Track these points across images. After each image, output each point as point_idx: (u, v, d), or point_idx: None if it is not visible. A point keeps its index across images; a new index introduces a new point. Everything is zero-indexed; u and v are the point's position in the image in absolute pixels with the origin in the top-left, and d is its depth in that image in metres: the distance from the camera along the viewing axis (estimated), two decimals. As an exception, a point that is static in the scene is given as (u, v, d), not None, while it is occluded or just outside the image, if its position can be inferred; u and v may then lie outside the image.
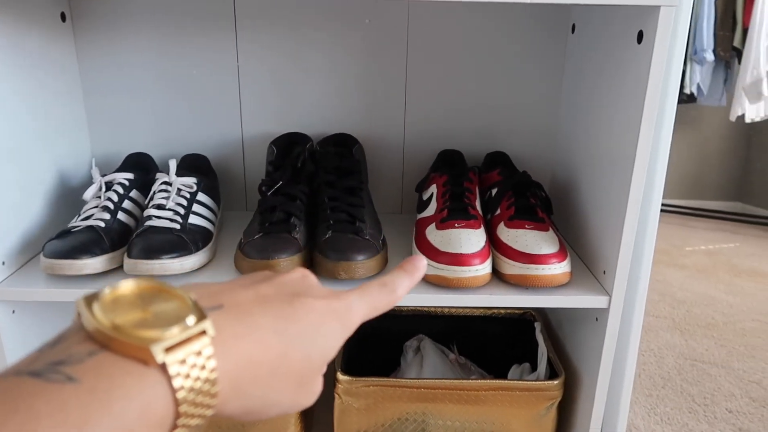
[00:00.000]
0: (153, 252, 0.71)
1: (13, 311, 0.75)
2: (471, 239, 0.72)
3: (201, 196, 0.82)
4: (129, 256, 0.71)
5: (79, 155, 0.91)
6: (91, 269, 0.71)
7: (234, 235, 0.88)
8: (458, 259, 0.70)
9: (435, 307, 0.99)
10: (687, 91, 2.78)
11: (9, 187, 0.74)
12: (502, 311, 0.98)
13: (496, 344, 0.99)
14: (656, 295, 2.02)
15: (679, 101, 2.70)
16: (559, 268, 0.71)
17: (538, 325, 0.91)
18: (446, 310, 0.99)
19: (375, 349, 1.00)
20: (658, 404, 1.27)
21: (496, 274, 0.75)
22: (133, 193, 0.81)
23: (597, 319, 0.76)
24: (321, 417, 1.03)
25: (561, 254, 0.72)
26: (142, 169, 0.87)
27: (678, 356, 1.52)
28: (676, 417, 1.22)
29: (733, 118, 2.60)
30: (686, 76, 2.74)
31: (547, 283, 0.71)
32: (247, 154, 0.97)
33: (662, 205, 3.29)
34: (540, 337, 0.89)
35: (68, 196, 0.88)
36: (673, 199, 3.40)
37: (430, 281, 0.73)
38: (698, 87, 2.75)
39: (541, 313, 1.02)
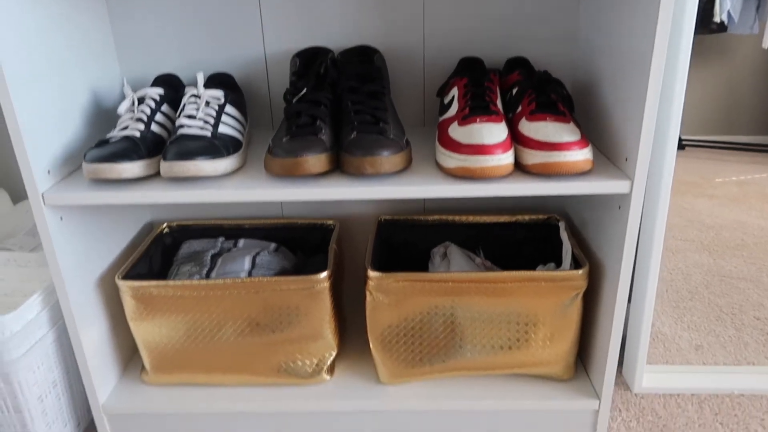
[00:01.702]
0: (187, 154, 0.74)
1: (61, 218, 0.79)
2: (493, 132, 0.74)
3: (229, 108, 0.84)
4: (164, 159, 0.74)
5: (111, 78, 0.95)
6: (130, 173, 0.75)
7: (262, 148, 0.91)
8: (481, 149, 0.72)
9: (460, 214, 1.01)
10: (717, 19, 2.68)
11: (49, 106, 0.78)
12: (526, 217, 1.00)
13: (521, 250, 1.02)
14: (684, 221, 2.01)
15: (709, 30, 2.61)
16: (581, 155, 0.72)
17: (562, 224, 0.93)
18: (471, 218, 1.01)
19: (403, 259, 1.04)
20: (685, 314, 1.29)
21: (519, 167, 0.77)
22: (164, 108, 0.84)
23: (620, 207, 0.77)
24: (353, 317, 1.08)
25: (582, 142, 0.73)
26: (171, 87, 0.90)
27: (706, 273, 1.53)
28: (704, 325, 1.24)
29: (766, 45, 2.52)
30: (716, 4, 2.64)
31: (570, 169, 0.72)
32: (271, 72, 0.99)
33: (692, 140, 3.22)
34: (564, 236, 0.91)
35: (103, 115, 0.91)
36: (703, 135, 3.32)
37: (454, 174, 0.75)
38: (729, 14, 2.65)
39: (565, 215, 1.03)
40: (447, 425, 0.90)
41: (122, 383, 0.94)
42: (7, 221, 1.01)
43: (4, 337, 0.78)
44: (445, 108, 0.84)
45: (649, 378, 1.04)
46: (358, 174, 0.74)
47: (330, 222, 1.03)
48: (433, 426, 0.90)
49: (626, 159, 0.75)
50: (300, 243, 1.04)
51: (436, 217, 1.01)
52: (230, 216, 1.08)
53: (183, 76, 0.98)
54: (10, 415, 0.84)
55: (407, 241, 1.03)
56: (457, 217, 1.01)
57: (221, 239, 1.02)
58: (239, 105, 0.87)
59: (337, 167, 0.79)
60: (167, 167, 0.74)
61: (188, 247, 1.01)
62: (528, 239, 1.01)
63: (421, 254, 1.02)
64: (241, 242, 1.02)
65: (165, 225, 1.03)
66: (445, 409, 0.89)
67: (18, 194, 1.08)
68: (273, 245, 1.01)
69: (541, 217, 1.00)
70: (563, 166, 0.72)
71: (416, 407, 0.89)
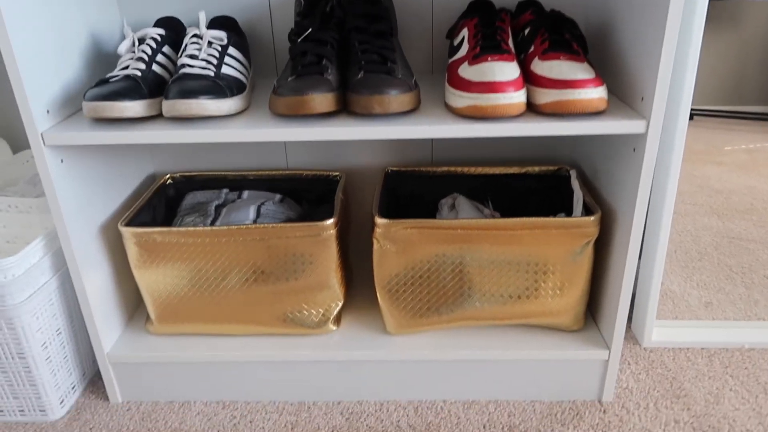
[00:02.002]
0: (190, 93, 0.72)
1: (62, 160, 0.78)
2: (504, 70, 0.71)
3: (232, 50, 0.82)
4: (167, 98, 0.72)
5: (110, 21, 0.92)
6: (132, 112, 0.73)
7: (266, 95, 0.88)
8: (492, 87, 0.70)
9: (468, 166, 0.99)
10: (730, -18, 2.62)
11: (48, 47, 0.76)
12: (536, 168, 0.98)
13: (530, 201, 1.00)
14: (693, 187, 1.98)
15: (721, -6, 2.55)
16: (596, 93, 0.70)
17: (573, 172, 0.91)
18: (480, 169, 0.99)
19: (409, 212, 1.02)
20: (695, 273, 1.27)
21: (531, 109, 0.75)
22: (166, 49, 0.82)
23: (634, 149, 0.75)
24: (360, 270, 1.07)
25: (597, 80, 0.70)
26: (172, 29, 0.87)
27: (715, 235, 1.51)
28: (713, 283, 1.23)
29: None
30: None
31: (584, 108, 0.70)
32: (275, 18, 0.96)
33: (700, 110, 3.18)
34: (575, 184, 0.89)
35: (103, 58, 0.89)
36: (712, 105, 3.27)
37: (464, 114, 0.72)
38: (743, -25, 2.59)
39: (575, 166, 1.01)
40: (454, 375, 0.90)
41: (127, 333, 0.94)
42: (7, 170, 0.99)
43: (6, 281, 0.77)
44: (455, 49, 0.81)
45: (658, 332, 1.03)
46: (366, 113, 0.72)
47: (336, 173, 1.01)
48: (440, 376, 0.90)
49: (642, 99, 0.72)
50: (305, 195, 1.03)
51: (444, 168, 0.99)
52: (234, 167, 1.06)
53: (185, 20, 0.95)
54: (15, 362, 0.84)
55: (414, 192, 1.01)
56: (465, 169, 0.99)
57: (225, 191, 1.01)
58: (242, 48, 0.85)
59: (344, 108, 0.77)
60: (169, 106, 0.72)
61: (192, 198, 1.00)
62: (537, 191, 0.99)
63: (428, 206, 1.01)
64: (246, 193, 1.01)
65: (168, 176, 1.01)
66: (453, 359, 0.88)
67: (18, 144, 1.06)
68: (278, 196, 1.00)
69: (551, 168, 0.98)
70: (577, 104, 0.70)
71: (423, 357, 0.88)
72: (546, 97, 0.72)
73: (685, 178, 2.11)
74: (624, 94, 0.78)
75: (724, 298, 1.17)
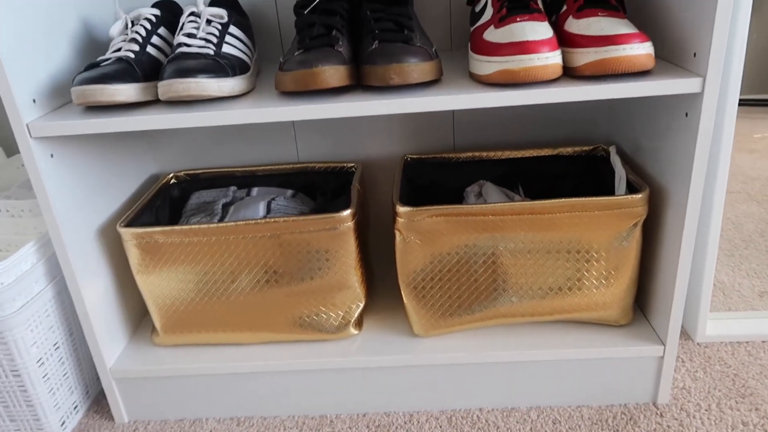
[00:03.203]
0: (188, 71, 0.65)
1: (52, 155, 0.71)
2: (536, 29, 0.63)
3: (233, 29, 0.75)
4: (162, 79, 0.65)
5: (103, 6, 0.86)
6: (125, 96, 0.66)
7: (273, 78, 0.81)
8: (524, 47, 0.62)
9: (494, 150, 0.91)
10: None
11: (34, 31, 0.70)
12: (569, 149, 0.90)
13: (564, 186, 0.91)
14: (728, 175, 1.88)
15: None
16: (643, 48, 0.62)
17: (612, 149, 0.82)
18: (507, 153, 0.91)
19: (432, 203, 0.94)
20: (742, 262, 1.18)
21: (567, 73, 0.67)
22: (161, 30, 0.75)
23: (687, 114, 0.67)
24: (381, 269, 0.99)
25: (643, 35, 0.62)
26: (169, 11, 0.81)
27: (758, 222, 1.41)
28: (765, 271, 1.13)
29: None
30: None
31: (629, 66, 0.62)
32: (280, 2, 0.89)
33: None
34: (616, 161, 0.80)
35: (95, 46, 0.83)
36: (740, 94, 3.16)
37: (493, 81, 0.64)
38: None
39: (613, 144, 0.92)
40: (490, 380, 0.81)
41: (132, 346, 0.86)
42: (0, 175, 0.93)
43: (-5, 290, 0.70)
44: (477, 16, 0.73)
45: (712, 325, 0.93)
46: (383, 85, 0.64)
47: (351, 164, 0.94)
48: (474, 381, 0.81)
49: (695, 54, 0.64)
50: (319, 189, 0.95)
51: (468, 154, 0.91)
52: (242, 163, 0.99)
53: (182, 3, 0.89)
54: (8, 380, 0.76)
55: (436, 181, 0.93)
56: (491, 153, 0.91)
57: (233, 188, 0.93)
58: (245, 28, 0.78)
59: (358, 84, 0.69)
60: (166, 87, 0.65)
61: (197, 197, 0.93)
62: (572, 174, 0.91)
63: (451, 196, 0.93)
64: (255, 190, 0.93)
65: (171, 175, 0.95)
66: (488, 362, 0.79)
67: (12, 147, 1.00)
68: (290, 191, 0.92)
69: (585, 148, 0.89)
70: (622, 62, 0.61)
71: (455, 360, 0.79)
72: (585, 57, 0.63)
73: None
74: (670, 53, 0.70)
75: (779, 287, 1.07)
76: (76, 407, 0.85)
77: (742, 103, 3.04)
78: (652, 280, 0.80)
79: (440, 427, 0.80)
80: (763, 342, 0.91)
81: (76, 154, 0.76)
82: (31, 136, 0.67)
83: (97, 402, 0.89)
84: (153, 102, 0.71)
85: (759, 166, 1.95)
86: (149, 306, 0.82)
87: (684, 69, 0.66)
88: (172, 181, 0.95)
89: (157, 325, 0.83)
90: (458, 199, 0.91)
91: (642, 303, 0.84)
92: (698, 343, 0.92)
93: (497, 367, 0.80)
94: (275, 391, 0.83)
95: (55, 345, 0.80)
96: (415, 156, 0.92)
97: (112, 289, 0.83)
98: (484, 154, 0.91)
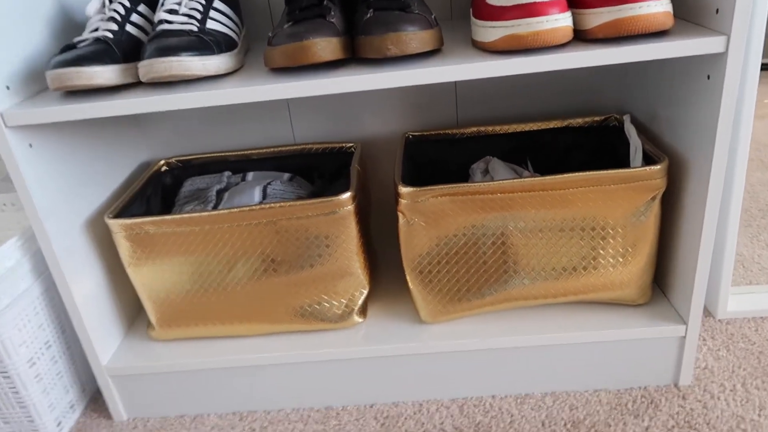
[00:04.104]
0: (169, 50, 0.60)
1: (30, 145, 0.67)
2: (544, -10, 0.58)
3: (218, 4, 0.70)
4: (143, 59, 0.61)
5: (82, -10, 0.81)
6: (104, 79, 0.62)
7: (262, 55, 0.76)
8: (532, 9, 0.57)
9: (500, 124, 0.86)
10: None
11: (6, 14, 0.65)
12: (580, 120, 0.85)
13: (575, 160, 0.87)
14: (738, 145, 1.82)
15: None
16: (660, 6, 0.56)
17: (626, 118, 0.77)
18: (513, 127, 0.86)
19: (436, 182, 0.89)
20: (761, 232, 1.13)
21: (578, 37, 0.62)
22: (141, 8, 0.71)
23: (709, 77, 0.62)
24: (384, 253, 0.95)
25: (660, -8, 0.57)
26: (150, -11, 0.76)
27: (775, 191, 1.36)
28: (784, 242, 1.09)
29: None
30: None
31: (647, 26, 0.57)
32: (268, -28, 0.84)
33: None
34: (631, 131, 0.75)
35: (72, 25, 0.78)
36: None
37: (499, 47, 0.60)
38: None
39: (627, 113, 0.87)
40: (502, 366, 0.77)
41: (127, 341, 0.83)
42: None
43: (-23, 289, 0.67)
44: (480, -20, 0.68)
45: (734, 301, 0.89)
46: (380, 56, 0.59)
47: (350, 144, 0.89)
48: (486, 368, 0.77)
49: (717, 11, 0.59)
50: (317, 171, 0.91)
51: (473, 129, 0.86)
52: (236, 146, 0.95)
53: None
54: (-1, 381, 0.73)
55: (439, 159, 0.88)
56: (497, 128, 0.86)
57: (227, 174, 0.89)
58: (231, 3, 0.73)
59: (352, 57, 0.64)
60: (147, 67, 0.60)
61: (191, 184, 0.89)
62: (583, 147, 0.86)
63: (456, 174, 0.88)
64: (250, 175, 0.89)
65: (163, 162, 0.90)
66: (499, 347, 0.76)
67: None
68: (287, 175, 0.88)
69: (597, 118, 0.85)
70: (638, 21, 0.56)
71: (465, 347, 0.75)
72: (597, 18, 0.58)
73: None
74: (688, 11, 0.65)
75: (801, 258, 1.02)
76: (72, 406, 0.82)
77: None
78: (672, 256, 0.75)
79: (451, 416, 0.76)
80: (788, 317, 0.87)
81: (57, 143, 0.72)
82: (6, 126, 0.63)
83: (95, 400, 0.86)
84: (135, 84, 0.66)
85: (771, 133, 1.89)
86: (143, 300, 0.78)
87: (705, 27, 0.61)
88: (164, 168, 0.90)
89: (153, 319, 0.80)
90: (464, 177, 0.86)
91: (661, 281, 0.80)
92: (720, 320, 0.88)
93: (509, 353, 0.76)
94: (278, 384, 0.79)
95: (46, 344, 0.77)
96: (416, 133, 0.87)
97: (104, 283, 0.80)
98: (490, 128, 0.86)
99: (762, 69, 3.01)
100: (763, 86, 2.70)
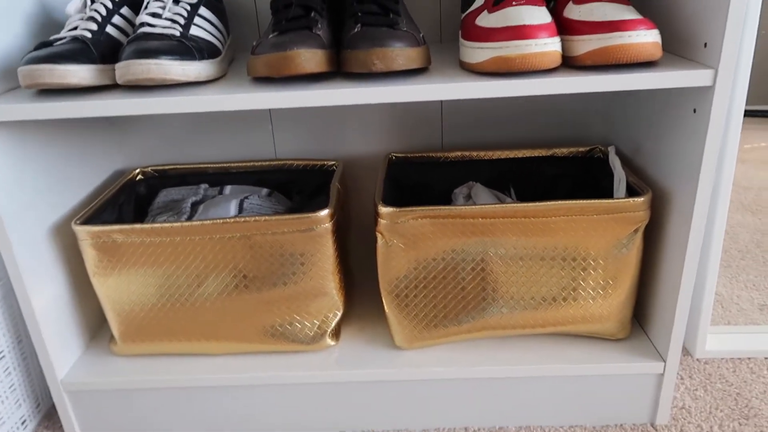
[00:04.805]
0: (148, 52, 0.58)
1: (-4, 143, 0.64)
2: (534, 13, 0.58)
3: (203, 11, 0.69)
4: (121, 60, 0.59)
5: (66, -10, 0.79)
6: (78, 78, 0.59)
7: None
8: (521, 32, 0.56)
9: (485, 150, 0.85)
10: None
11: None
12: (565, 150, 0.84)
13: (559, 190, 0.86)
14: (718, 186, 1.84)
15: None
16: (650, 36, 0.56)
17: (611, 149, 0.77)
18: (498, 153, 0.85)
19: (419, 203, 0.88)
20: (740, 273, 1.13)
21: (567, 63, 0.61)
22: (124, 10, 0.69)
23: (695, 110, 0.61)
24: (361, 276, 0.92)
25: (649, 23, 0.57)
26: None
27: (753, 232, 1.37)
28: (763, 283, 1.08)
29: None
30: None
31: (635, 55, 0.56)
32: (258, -15, 0.83)
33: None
34: (615, 163, 0.75)
35: (52, 25, 0.76)
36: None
37: (486, 69, 0.59)
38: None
39: (612, 145, 0.87)
40: (477, 397, 0.75)
41: (87, 355, 0.79)
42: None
43: (-72, 292, 0.63)
44: (469, 3, 0.68)
45: (713, 340, 0.88)
46: (365, 71, 0.58)
47: (331, 162, 0.87)
48: (460, 398, 0.75)
49: (705, 45, 0.59)
50: (297, 188, 0.89)
51: (457, 153, 0.85)
52: (215, 158, 0.92)
53: (153, -11, 0.82)
54: (-55, 392, 0.69)
55: (422, 182, 0.87)
56: (482, 153, 0.85)
57: (204, 186, 0.87)
58: (217, 11, 0.72)
59: (338, 72, 0.63)
60: (123, 68, 0.59)
61: (165, 195, 0.86)
62: (567, 177, 0.85)
63: (437, 198, 0.87)
64: (228, 189, 0.87)
65: (138, 171, 0.88)
66: (475, 377, 0.73)
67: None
68: (265, 190, 0.86)
69: (582, 149, 0.84)
70: (628, 50, 0.56)
71: (439, 375, 0.73)
72: (586, 45, 0.58)
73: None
74: (677, 44, 0.65)
75: (780, 300, 1.02)
76: (24, 422, 0.78)
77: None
78: (653, 292, 0.74)
79: (422, 447, 0.73)
80: (766, 358, 0.86)
81: (26, 145, 0.69)
82: (-29, 121, 0.60)
83: (49, 417, 0.81)
84: (112, 87, 0.64)
85: (750, 176, 1.92)
86: (107, 312, 0.75)
87: (693, 61, 0.61)
88: (139, 177, 0.88)
89: (115, 332, 0.76)
90: (446, 201, 0.85)
91: (641, 316, 0.78)
92: (698, 359, 0.86)
93: (485, 383, 0.74)
94: (245, 406, 0.76)
95: (0, 354, 0.73)
96: (400, 154, 0.86)
97: (66, 292, 0.76)
98: (474, 153, 0.85)
99: (745, 115, 3.07)
100: (746, 132, 2.76)
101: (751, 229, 1.40)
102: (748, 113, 2.99)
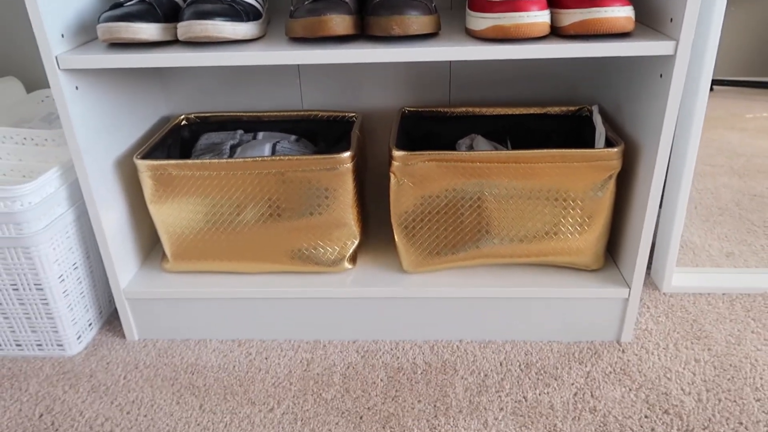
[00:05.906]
0: (206, 14, 0.71)
1: (77, 87, 0.77)
2: (528, -11, 0.69)
3: (248, -22, 0.80)
4: (182, 20, 0.71)
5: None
6: (147, 35, 0.72)
7: (283, 29, 0.87)
8: (515, 5, 0.68)
9: (487, 106, 0.97)
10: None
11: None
12: (557, 109, 0.96)
13: (551, 143, 0.98)
14: (713, 150, 1.95)
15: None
16: (623, 11, 0.68)
17: (595, 108, 0.89)
18: (498, 109, 0.97)
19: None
20: (715, 227, 1.25)
21: (555, 33, 0.73)
22: (181, -24, 0.81)
23: (661, 75, 0.73)
24: (376, 213, 1.06)
25: (624, 0, 0.68)
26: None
27: (736, 193, 1.48)
28: (734, 235, 1.21)
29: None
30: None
31: (610, 27, 0.68)
32: (291, -47, 0.94)
33: (721, 80, 3.11)
34: (597, 119, 0.87)
35: (118, -9, 0.88)
36: (733, 75, 3.20)
37: (486, 36, 0.70)
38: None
39: (597, 102, 0.98)
40: (471, 314, 0.89)
41: (143, 271, 0.93)
42: (22, 109, 0.99)
43: (23, 208, 0.77)
44: (476, -24, 0.79)
45: (678, 278, 1.01)
46: (385, 35, 0.70)
47: (352, 114, 1.00)
48: (456, 315, 0.89)
49: (671, 20, 0.70)
50: (321, 136, 1.01)
51: (462, 108, 0.97)
52: (248, 108, 1.05)
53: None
54: (32, 293, 0.84)
55: (431, 133, 1.00)
56: (483, 109, 0.97)
57: (240, 131, 1.00)
58: (258, -22, 0.83)
59: (361, 34, 0.75)
60: (185, 28, 0.71)
61: (207, 139, 0.99)
62: (558, 132, 0.97)
63: (443, 148, 0.98)
64: (261, 134, 0.99)
65: (182, 116, 1.01)
66: (469, 296, 0.87)
67: (31, 84, 1.06)
68: (294, 137, 0.99)
69: (571, 108, 0.96)
70: (603, 23, 0.67)
71: (439, 294, 0.87)
72: (570, 17, 0.69)
73: (705, 142, 2.07)
74: (650, 19, 0.76)
75: (746, 249, 1.14)
76: (90, 324, 0.93)
77: (742, 84, 3.08)
78: (623, 229, 0.87)
79: (423, 353, 0.88)
80: (723, 294, 0.99)
81: (98, 88, 0.82)
82: (59, 68, 0.73)
83: (110, 322, 0.97)
84: (171, 42, 0.76)
85: (746, 143, 2.02)
86: (161, 234, 0.89)
87: (661, 33, 0.72)
88: (183, 122, 1.01)
89: (168, 252, 0.91)
90: (450, 150, 0.97)
91: (612, 250, 0.92)
92: (664, 293, 1.00)
93: (477, 302, 0.88)
94: (274, 317, 0.91)
95: (74, 265, 0.88)
96: (412, 108, 0.98)
97: (127, 217, 0.90)
98: (477, 109, 0.97)
99: (744, 85, 3.14)
100: (752, 102, 2.83)
101: (734, 190, 1.52)
102: (759, 84, 3.05)
